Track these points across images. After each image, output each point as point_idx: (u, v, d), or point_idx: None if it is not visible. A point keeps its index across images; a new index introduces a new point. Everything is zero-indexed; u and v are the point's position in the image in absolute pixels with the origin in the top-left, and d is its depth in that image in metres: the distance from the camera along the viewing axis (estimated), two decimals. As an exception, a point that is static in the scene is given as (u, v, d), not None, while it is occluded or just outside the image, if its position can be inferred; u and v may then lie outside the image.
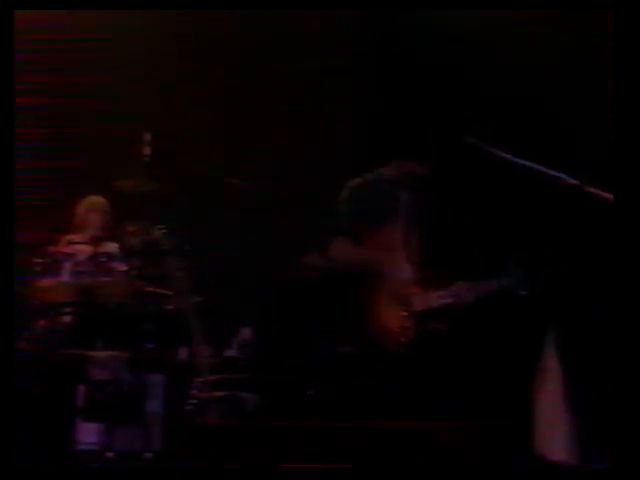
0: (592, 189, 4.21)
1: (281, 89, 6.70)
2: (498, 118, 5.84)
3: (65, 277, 5.26)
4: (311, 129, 6.66)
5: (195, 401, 4.93)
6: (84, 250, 5.48)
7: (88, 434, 4.77)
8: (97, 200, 5.82)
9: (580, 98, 5.66)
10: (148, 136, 5.19)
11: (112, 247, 5.55)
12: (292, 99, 6.69)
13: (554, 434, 4.66)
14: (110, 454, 4.71)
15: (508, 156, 4.39)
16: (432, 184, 4.77)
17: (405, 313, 4.55)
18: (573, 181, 4.23)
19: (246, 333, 5.57)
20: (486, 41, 6.16)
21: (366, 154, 5.85)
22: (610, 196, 4.16)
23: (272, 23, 6.69)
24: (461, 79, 6.15)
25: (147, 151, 5.20)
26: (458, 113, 5.64)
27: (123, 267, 5.28)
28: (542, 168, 4.28)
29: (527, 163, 4.32)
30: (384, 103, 6.28)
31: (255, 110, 6.69)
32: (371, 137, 6.10)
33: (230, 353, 5.53)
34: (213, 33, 6.74)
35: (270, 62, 6.76)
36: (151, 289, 5.25)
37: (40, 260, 5.21)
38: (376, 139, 5.55)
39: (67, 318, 5.11)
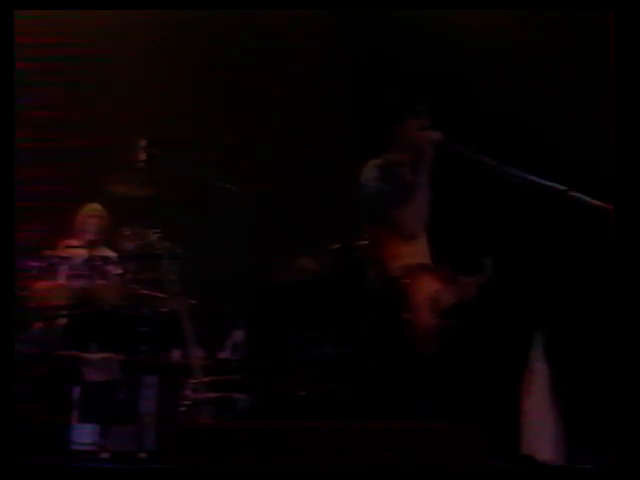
0: (579, 195, 4.29)
1: (272, 90, 6.79)
2: (497, 118, 5.90)
3: (61, 280, 5.33)
4: (307, 132, 6.73)
5: (189, 402, 4.99)
6: (80, 254, 5.55)
7: (83, 434, 4.78)
8: (95, 207, 5.92)
9: (580, 99, 5.67)
10: (143, 142, 5.26)
11: (108, 251, 5.63)
12: (283, 101, 6.78)
13: (542, 435, 4.71)
14: (105, 454, 4.70)
15: (494, 163, 4.48)
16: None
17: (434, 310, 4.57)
18: (560, 187, 4.32)
19: (239, 335, 5.63)
20: (484, 42, 6.20)
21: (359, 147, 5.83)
22: (597, 202, 4.25)
23: (271, 25, 6.78)
24: (457, 81, 6.16)
25: (142, 156, 5.26)
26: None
27: (118, 271, 5.34)
28: (530, 175, 4.37)
29: (515, 171, 4.41)
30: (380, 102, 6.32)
31: (250, 113, 6.76)
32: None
33: (223, 355, 5.60)
34: (211, 37, 6.82)
35: (262, 64, 6.84)
36: (145, 292, 5.31)
37: (37, 263, 5.27)
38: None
39: (63, 320, 5.18)
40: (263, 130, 6.79)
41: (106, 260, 5.44)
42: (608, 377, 4.67)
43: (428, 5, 6.12)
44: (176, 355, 5.25)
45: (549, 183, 4.35)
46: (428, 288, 4.56)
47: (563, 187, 4.32)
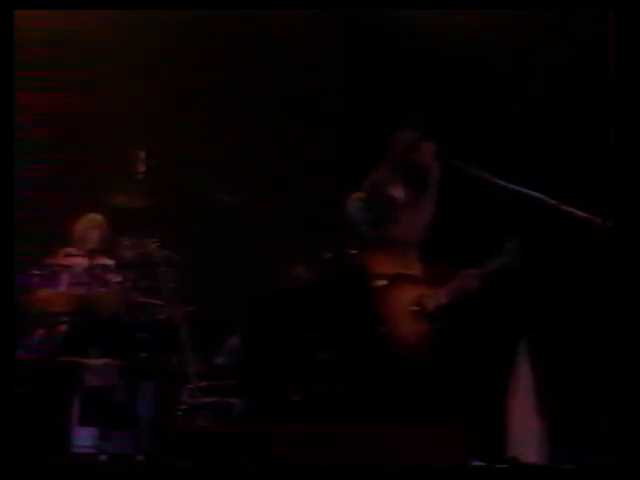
0: (568, 208, 4.42)
1: (271, 92, 6.78)
2: (495, 119, 5.90)
3: (62, 288, 5.46)
4: (305, 136, 6.75)
5: (185, 406, 5.08)
6: (81, 262, 5.64)
7: (83, 438, 4.92)
8: (95, 217, 5.98)
9: (580, 99, 5.65)
10: (142, 153, 5.35)
11: (107, 260, 5.70)
12: (281, 103, 6.76)
13: (527, 437, 4.81)
14: (104, 456, 4.84)
15: (488, 176, 4.60)
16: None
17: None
18: (552, 201, 4.45)
19: (235, 341, 5.71)
20: (484, 42, 6.15)
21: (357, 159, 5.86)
22: (585, 215, 4.37)
23: (273, 33, 6.81)
24: (456, 82, 6.12)
25: (141, 168, 5.36)
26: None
27: (117, 279, 5.45)
28: (523, 189, 4.48)
29: (509, 185, 4.53)
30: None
31: (245, 124, 6.77)
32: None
33: (220, 360, 5.69)
34: (210, 37, 6.84)
35: (262, 64, 6.84)
36: (144, 299, 5.40)
37: (39, 271, 5.38)
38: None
39: (64, 327, 5.27)
40: (260, 134, 6.80)
41: (105, 268, 5.55)
42: (594, 381, 4.81)
43: (428, 5, 6.10)
44: (173, 361, 5.31)
45: (540, 195, 4.48)
46: (413, 295, 4.66)
47: (553, 200, 4.46)
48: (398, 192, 4.74)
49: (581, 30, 5.76)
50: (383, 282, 4.62)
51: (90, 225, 5.94)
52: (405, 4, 6.21)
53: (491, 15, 6.05)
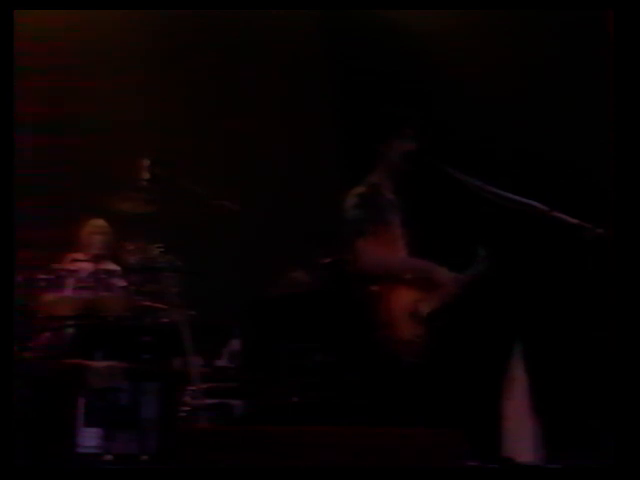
0: (560, 214, 4.50)
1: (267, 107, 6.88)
2: (495, 120, 5.97)
3: (68, 292, 5.58)
4: (304, 144, 6.83)
5: (188, 408, 5.16)
6: (86, 267, 5.77)
7: (88, 438, 4.99)
8: (99, 222, 6.10)
9: (579, 100, 5.70)
10: (147, 161, 5.43)
11: (112, 265, 5.84)
12: (281, 109, 6.85)
13: (522, 437, 4.89)
14: (109, 457, 4.92)
15: (479, 183, 4.66)
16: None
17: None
18: (543, 207, 4.53)
19: (236, 344, 5.80)
20: (483, 43, 6.19)
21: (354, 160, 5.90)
22: (576, 221, 4.44)
23: (272, 32, 6.90)
24: (456, 82, 6.20)
25: (146, 175, 5.44)
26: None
27: (122, 283, 5.58)
28: (515, 196, 4.56)
29: (502, 192, 4.60)
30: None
31: (245, 125, 6.87)
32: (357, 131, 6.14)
33: (221, 363, 5.78)
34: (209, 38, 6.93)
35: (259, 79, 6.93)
36: (148, 304, 5.47)
37: (45, 276, 5.45)
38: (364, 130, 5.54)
39: (69, 330, 5.35)
40: (260, 134, 6.86)
41: (110, 273, 5.69)
42: (589, 382, 4.89)
43: (427, 5, 6.11)
44: (176, 363, 5.40)
45: (531, 202, 4.55)
46: (409, 299, 4.74)
47: (546, 207, 4.53)
48: (392, 195, 4.82)
49: (581, 30, 5.78)
50: (380, 286, 4.69)
51: (95, 231, 6.05)
52: (405, 4, 6.23)
53: (491, 15, 6.06)
